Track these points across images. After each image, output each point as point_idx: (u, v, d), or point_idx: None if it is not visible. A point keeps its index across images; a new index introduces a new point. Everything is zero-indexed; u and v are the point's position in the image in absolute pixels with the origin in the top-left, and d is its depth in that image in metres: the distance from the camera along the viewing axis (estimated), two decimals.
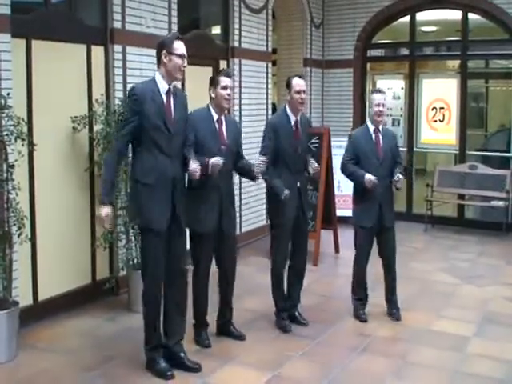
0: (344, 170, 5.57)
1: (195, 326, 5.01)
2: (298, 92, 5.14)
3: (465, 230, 9.38)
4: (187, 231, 4.67)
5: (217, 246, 4.88)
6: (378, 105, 5.48)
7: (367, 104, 10.04)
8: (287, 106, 5.24)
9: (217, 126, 4.81)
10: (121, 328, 5.33)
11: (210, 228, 4.77)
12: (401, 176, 5.41)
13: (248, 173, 5.01)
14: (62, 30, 5.54)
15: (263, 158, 4.89)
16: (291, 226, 5.23)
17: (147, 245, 4.37)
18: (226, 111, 5.04)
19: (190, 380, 4.38)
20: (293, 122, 5.21)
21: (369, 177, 5.32)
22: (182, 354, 4.52)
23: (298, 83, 5.18)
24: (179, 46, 4.29)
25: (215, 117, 4.81)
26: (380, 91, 5.62)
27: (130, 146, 4.39)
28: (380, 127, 5.57)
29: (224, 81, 4.77)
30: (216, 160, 4.55)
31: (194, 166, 4.33)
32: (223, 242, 4.89)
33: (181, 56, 4.29)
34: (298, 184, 5.21)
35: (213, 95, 4.81)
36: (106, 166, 4.41)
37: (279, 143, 5.15)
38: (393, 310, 5.70)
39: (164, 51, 4.29)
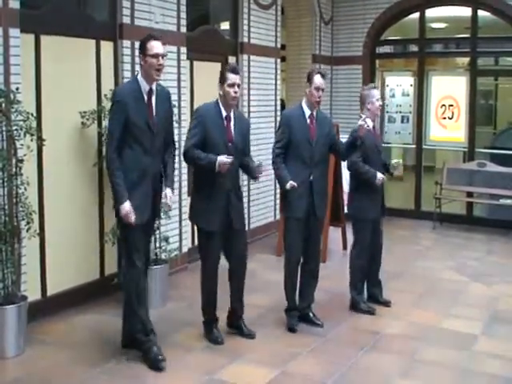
0: (356, 168, 5.48)
1: (205, 322, 5.02)
2: (317, 89, 5.09)
3: (473, 227, 9.34)
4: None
5: (228, 243, 4.88)
6: (378, 99, 5.57)
7: None
8: (303, 100, 5.19)
9: (225, 122, 4.78)
10: None
11: (217, 226, 4.76)
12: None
13: (250, 172, 5.00)
14: (70, 25, 5.53)
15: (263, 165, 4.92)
16: (301, 220, 5.14)
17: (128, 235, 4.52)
18: (235, 107, 4.99)
19: (195, 377, 4.37)
20: (307, 115, 5.15)
21: (381, 175, 5.43)
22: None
23: (319, 81, 5.10)
24: (153, 46, 4.33)
25: (224, 113, 4.78)
26: (375, 87, 5.74)
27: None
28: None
29: (231, 78, 4.69)
30: (224, 158, 4.55)
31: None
32: (234, 238, 4.88)
33: (154, 56, 4.32)
34: (311, 177, 5.11)
35: (220, 92, 4.75)
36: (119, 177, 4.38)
37: (292, 135, 5.10)
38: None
39: (140, 54, 4.39)
